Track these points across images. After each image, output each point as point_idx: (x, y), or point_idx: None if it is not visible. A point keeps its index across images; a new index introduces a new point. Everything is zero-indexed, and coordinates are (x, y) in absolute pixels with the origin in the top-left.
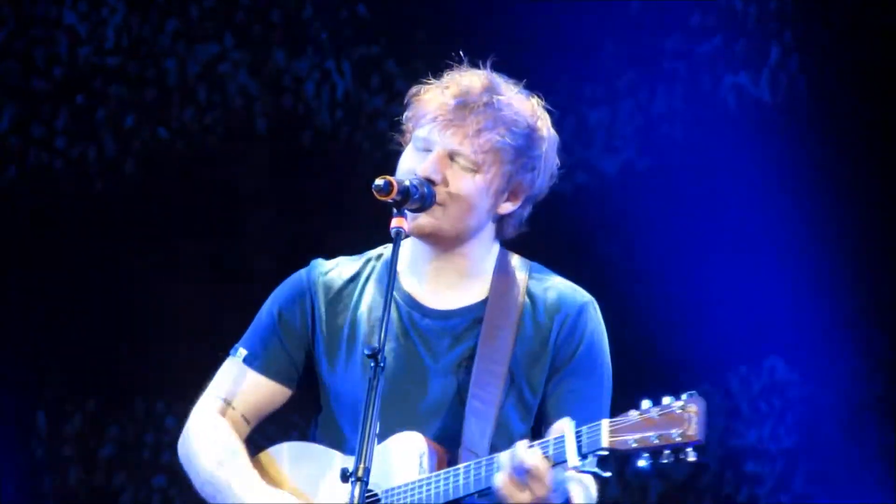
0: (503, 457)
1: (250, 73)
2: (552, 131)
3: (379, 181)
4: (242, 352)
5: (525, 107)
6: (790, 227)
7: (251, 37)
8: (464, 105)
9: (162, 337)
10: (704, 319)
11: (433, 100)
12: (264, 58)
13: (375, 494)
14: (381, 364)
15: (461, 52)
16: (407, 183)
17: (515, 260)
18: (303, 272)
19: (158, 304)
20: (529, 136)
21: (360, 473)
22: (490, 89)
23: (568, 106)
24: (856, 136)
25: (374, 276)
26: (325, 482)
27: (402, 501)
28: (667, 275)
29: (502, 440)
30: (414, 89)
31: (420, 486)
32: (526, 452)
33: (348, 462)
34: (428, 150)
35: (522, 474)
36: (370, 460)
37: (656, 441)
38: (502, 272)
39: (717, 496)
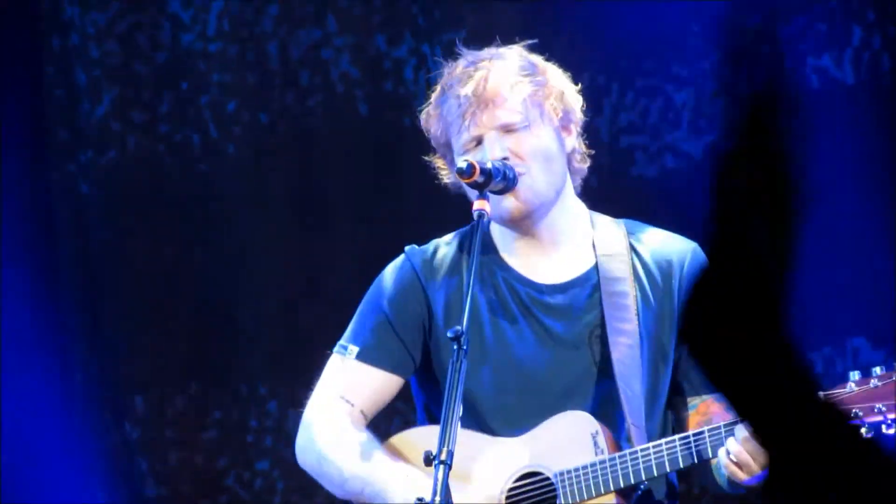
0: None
1: (352, 58)
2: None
3: (461, 164)
4: (353, 348)
5: (515, 50)
6: (874, 207)
7: (353, 21)
8: (477, 87)
9: (264, 321)
10: (789, 300)
11: (452, 106)
12: (365, 42)
13: (547, 478)
14: (465, 347)
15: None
16: (489, 165)
17: (606, 219)
18: (404, 261)
19: (260, 288)
20: (540, 69)
21: (443, 457)
22: (483, 59)
23: (657, 87)
24: None
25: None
26: (476, 465)
27: (582, 483)
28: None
29: (650, 410)
30: (424, 115)
31: (605, 466)
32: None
33: (492, 443)
34: (479, 143)
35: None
36: (454, 443)
37: (881, 412)
38: (600, 233)
39: None
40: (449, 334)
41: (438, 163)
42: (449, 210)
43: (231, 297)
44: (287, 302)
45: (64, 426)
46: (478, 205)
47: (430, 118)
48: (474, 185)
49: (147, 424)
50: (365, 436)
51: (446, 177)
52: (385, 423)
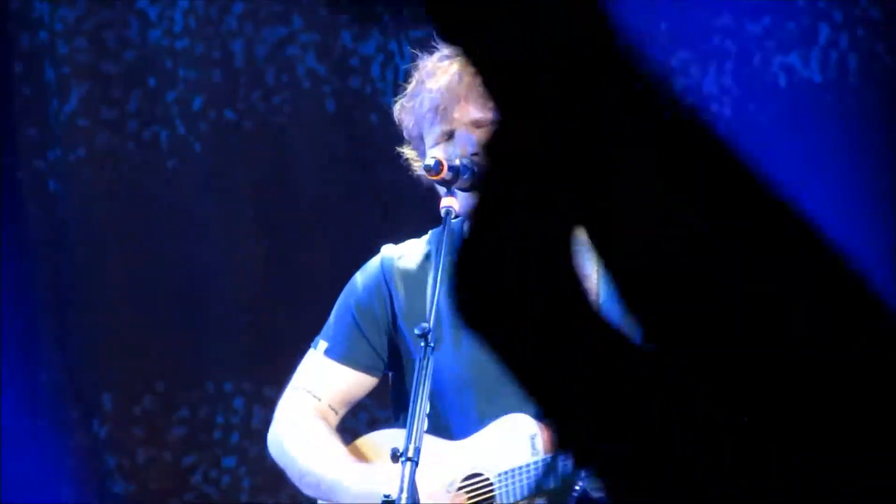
0: None
1: (318, 55)
2: None
3: (429, 161)
4: (323, 344)
5: None
6: (841, 205)
7: (318, 19)
8: (451, 82)
9: (231, 318)
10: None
11: (424, 99)
12: (332, 39)
13: (487, 479)
14: (431, 344)
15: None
16: (457, 162)
17: None
18: (375, 260)
19: (226, 286)
20: None
21: (410, 454)
22: (451, 56)
23: None
24: None
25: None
26: (425, 467)
27: (517, 484)
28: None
29: None
30: (398, 106)
31: (538, 467)
32: None
33: (440, 445)
34: (451, 137)
35: None
36: (420, 440)
37: None
38: None
39: None
40: (416, 331)
41: (410, 155)
42: (418, 206)
43: (198, 294)
44: (254, 299)
45: (30, 424)
46: (445, 202)
47: (403, 110)
48: (442, 183)
49: (114, 422)
50: (324, 431)
51: (419, 168)
52: (352, 421)
